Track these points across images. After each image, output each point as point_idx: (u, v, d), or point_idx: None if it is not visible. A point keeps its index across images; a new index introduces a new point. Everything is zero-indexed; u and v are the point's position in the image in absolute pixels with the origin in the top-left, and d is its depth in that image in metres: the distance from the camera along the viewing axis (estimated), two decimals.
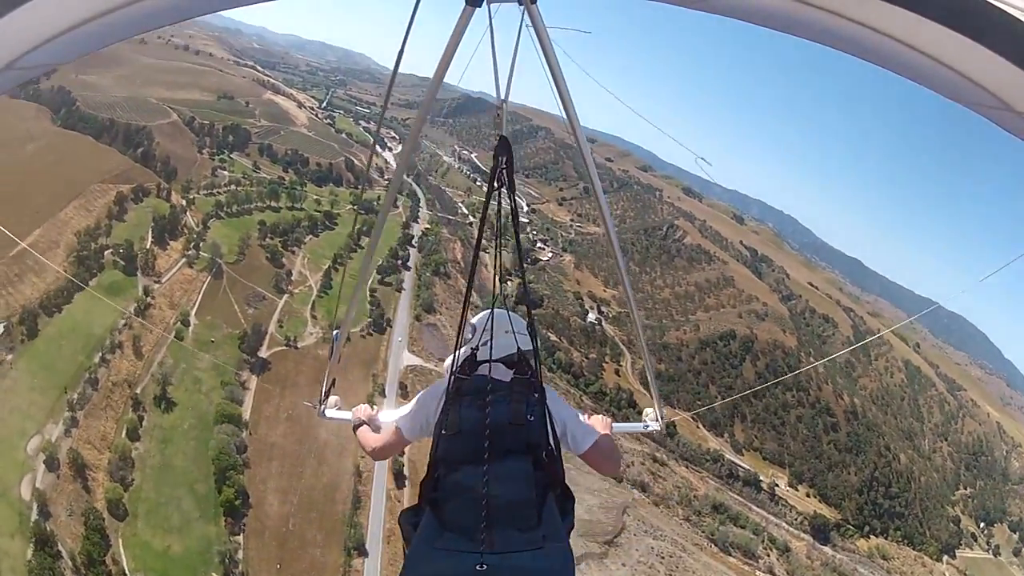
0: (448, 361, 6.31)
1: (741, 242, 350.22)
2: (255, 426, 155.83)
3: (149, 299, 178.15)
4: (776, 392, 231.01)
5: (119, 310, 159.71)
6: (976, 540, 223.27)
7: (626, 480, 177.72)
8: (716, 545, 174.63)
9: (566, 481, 5.70)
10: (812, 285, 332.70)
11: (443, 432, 5.53)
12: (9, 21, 2.96)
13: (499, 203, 6.06)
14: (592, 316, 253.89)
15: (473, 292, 6.88)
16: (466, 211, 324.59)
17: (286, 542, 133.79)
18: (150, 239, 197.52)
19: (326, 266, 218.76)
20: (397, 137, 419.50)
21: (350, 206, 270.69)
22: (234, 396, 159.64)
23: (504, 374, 5.93)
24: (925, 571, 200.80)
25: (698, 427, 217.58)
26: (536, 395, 5.72)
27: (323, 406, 9.41)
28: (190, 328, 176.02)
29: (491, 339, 5.95)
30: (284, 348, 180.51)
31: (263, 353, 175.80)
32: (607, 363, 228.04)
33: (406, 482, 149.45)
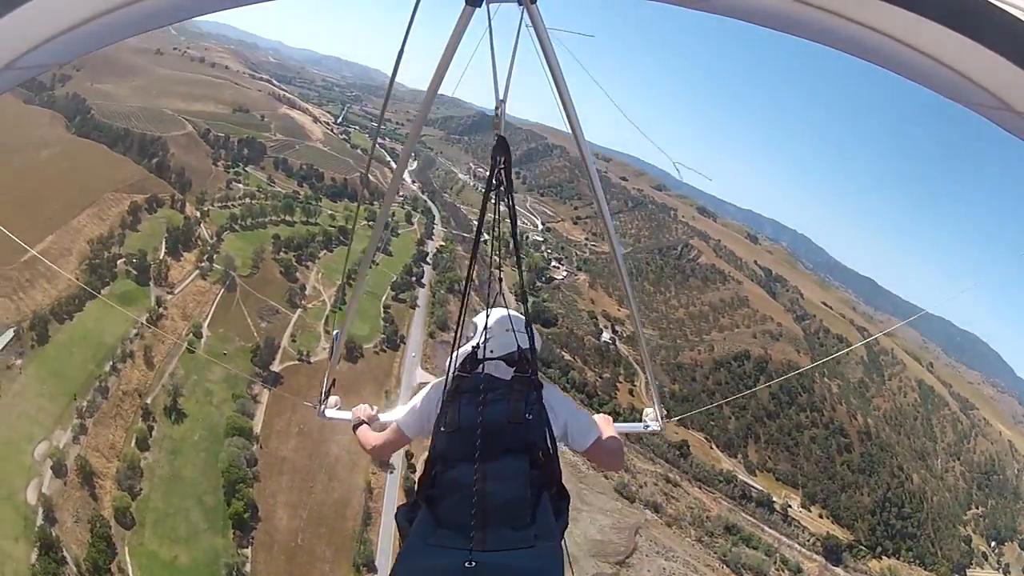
0: (449, 359, 6.33)
1: (755, 262, 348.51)
2: (266, 439, 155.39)
3: (161, 309, 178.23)
4: (790, 413, 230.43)
5: (133, 318, 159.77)
6: (987, 559, 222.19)
7: (638, 500, 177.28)
8: (728, 566, 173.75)
9: (563, 481, 5.73)
10: (826, 305, 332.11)
11: (442, 429, 5.60)
12: (9, 21, 2.96)
13: (496, 205, 6.13)
14: (606, 336, 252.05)
15: (473, 292, 6.83)
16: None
17: (295, 556, 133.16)
18: (163, 250, 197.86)
19: (340, 281, 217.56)
20: (412, 153, 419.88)
21: (365, 222, 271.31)
22: (245, 409, 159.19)
23: (505, 372, 6.06)
24: None
25: (711, 448, 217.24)
26: (535, 394, 5.75)
27: (323, 406, 9.41)
28: (202, 340, 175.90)
29: (484, 337, 6.25)
30: (297, 363, 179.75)
31: (275, 367, 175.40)
32: (621, 383, 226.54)
33: None
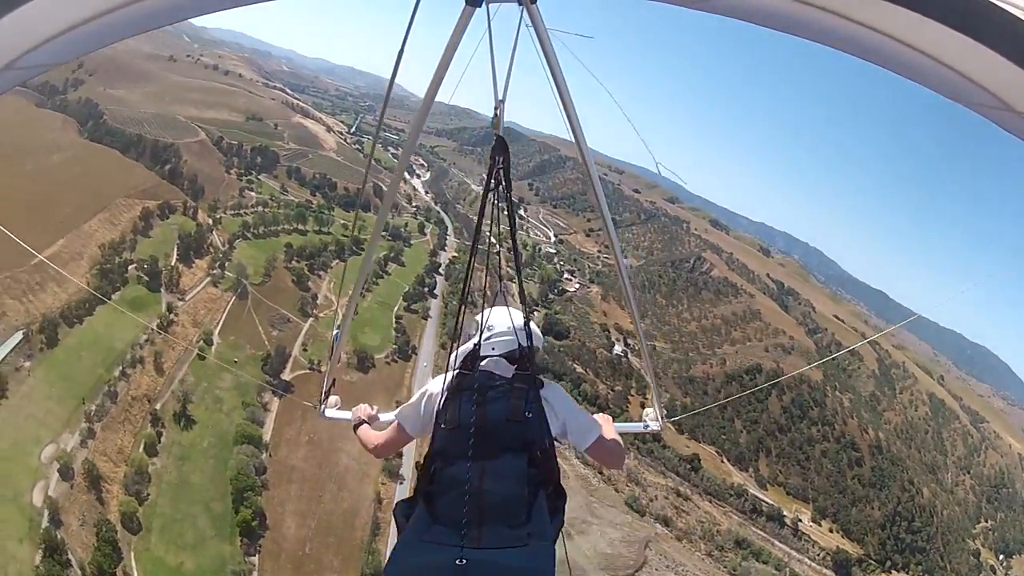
0: (449, 357, 6.44)
1: (768, 275, 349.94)
2: (275, 448, 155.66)
3: (172, 316, 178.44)
4: (801, 427, 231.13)
5: (143, 324, 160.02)
6: (995, 573, 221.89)
7: (649, 514, 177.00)
8: None
9: (561, 481, 5.79)
10: (838, 318, 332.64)
11: (442, 426, 5.63)
12: (9, 21, 2.98)
13: (495, 204, 6.10)
14: (618, 348, 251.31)
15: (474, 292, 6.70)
16: (494, 240, 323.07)
17: (302, 565, 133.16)
18: (175, 256, 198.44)
19: (351, 291, 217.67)
20: (426, 164, 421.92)
21: (382, 233, 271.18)
22: (255, 417, 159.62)
23: (507, 370, 6.02)
24: None
25: (723, 461, 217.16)
26: (535, 392, 5.77)
27: (323, 406, 9.28)
28: (213, 347, 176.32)
29: (482, 335, 6.23)
30: (307, 371, 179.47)
31: (286, 375, 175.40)
32: (632, 396, 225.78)
33: None
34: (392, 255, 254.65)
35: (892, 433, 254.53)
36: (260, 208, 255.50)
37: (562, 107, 5.42)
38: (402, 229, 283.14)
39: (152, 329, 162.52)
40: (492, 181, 5.90)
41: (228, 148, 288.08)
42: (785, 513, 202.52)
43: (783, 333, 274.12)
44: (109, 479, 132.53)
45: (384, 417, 7.48)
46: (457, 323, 6.35)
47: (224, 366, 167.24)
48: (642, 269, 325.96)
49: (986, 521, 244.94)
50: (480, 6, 4.49)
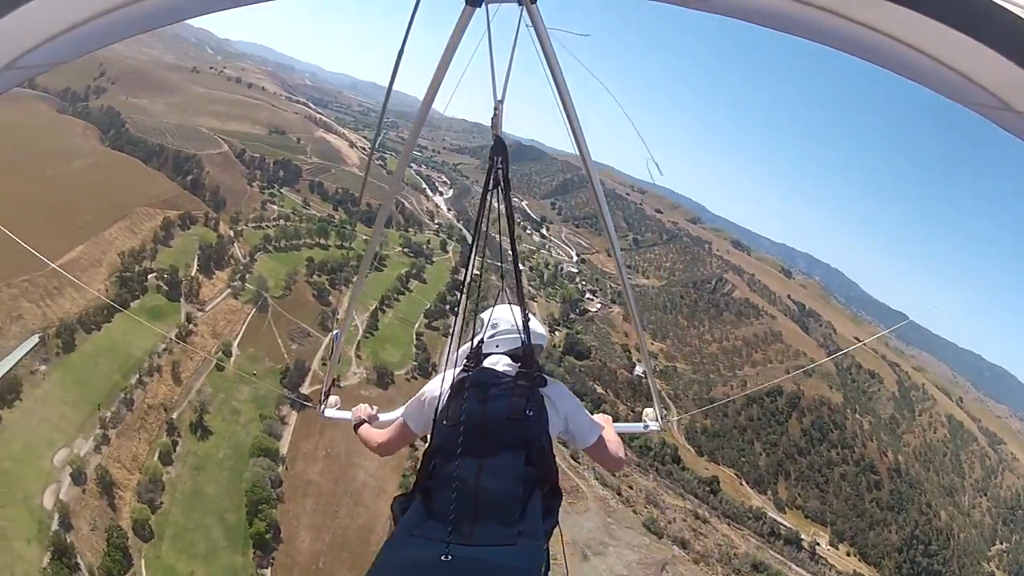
0: (448, 353, 6.53)
1: (789, 296, 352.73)
2: (292, 461, 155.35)
3: (191, 326, 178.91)
4: (821, 449, 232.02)
5: (161, 334, 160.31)
6: None
7: (666, 536, 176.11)
8: None
9: (559, 481, 5.73)
10: (858, 340, 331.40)
11: (443, 423, 5.62)
12: (9, 21, 3.00)
13: (490, 203, 6.16)
14: (639, 369, 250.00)
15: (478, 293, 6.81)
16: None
17: None
18: (195, 267, 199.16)
19: (373, 307, 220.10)
20: (448, 182, 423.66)
21: (399, 248, 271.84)
22: (272, 430, 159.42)
23: (510, 367, 6.04)
24: None
25: (742, 484, 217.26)
26: (536, 390, 5.76)
27: (323, 406, 9.40)
28: (232, 359, 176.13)
29: (484, 333, 6.41)
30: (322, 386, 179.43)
31: (305, 389, 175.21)
32: None
33: None
34: (414, 272, 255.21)
35: (911, 456, 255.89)
36: (282, 221, 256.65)
37: (562, 107, 5.30)
38: (424, 246, 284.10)
39: (170, 339, 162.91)
40: (491, 181, 5.90)
41: (250, 161, 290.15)
42: (803, 536, 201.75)
43: (804, 355, 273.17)
44: (122, 486, 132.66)
45: (384, 417, 7.62)
46: (455, 321, 6.59)
47: (244, 375, 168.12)
48: (664, 290, 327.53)
49: (1001, 543, 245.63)
50: (480, 6, 4.49)
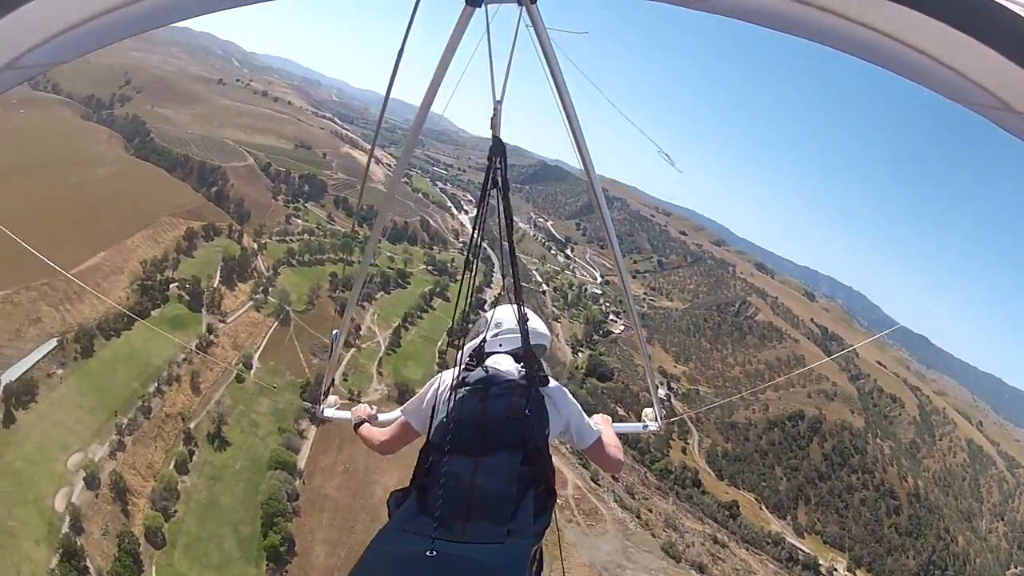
0: (451, 352, 6.71)
1: (812, 320, 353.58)
2: (310, 475, 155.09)
3: (212, 337, 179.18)
4: (841, 474, 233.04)
5: (180, 344, 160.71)
6: None
7: (685, 560, 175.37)
8: None
9: (554, 482, 5.73)
10: (880, 364, 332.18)
11: (443, 420, 5.65)
12: (9, 21, 3.00)
13: (487, 205, 6.31)
14: (662, 392, 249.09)
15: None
16: (540, 279, 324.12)
17: None
18: (218, 278, 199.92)
19: (396, 324, 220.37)
20: (473, 200, 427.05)
21: (423, 266, 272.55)
22: (291, 444, 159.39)
23: (512, 367, 6.16)
24: None
25: (761, 509, 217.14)
26: (536, 390, 5.82)
27: (322, 405, 9.43)
28: (252, 371, 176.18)
29: (487, 333, 6.66)
30: (347, 401, 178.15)
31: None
32: (674, 440, 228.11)
33: None
34: (438, 290, 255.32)
35: (931, 480, 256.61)
36: (306, 236, 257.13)
37: (562, 108, 5.34)
38: (449, 264, 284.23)
39: (190, 349, 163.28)
40: (490, 183, 5.92)
41: (276, 174, 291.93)
42: (821, 562, 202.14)
43: (826, 379, 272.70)
44: (136, 492, 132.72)
45: (383, 417, 7.72)
46: (454, 320, 6.51)
47: (263, 384, 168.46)
48: (687, 312, 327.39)
49: (1016, 568, 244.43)
50: (480, 6, 4.52)
